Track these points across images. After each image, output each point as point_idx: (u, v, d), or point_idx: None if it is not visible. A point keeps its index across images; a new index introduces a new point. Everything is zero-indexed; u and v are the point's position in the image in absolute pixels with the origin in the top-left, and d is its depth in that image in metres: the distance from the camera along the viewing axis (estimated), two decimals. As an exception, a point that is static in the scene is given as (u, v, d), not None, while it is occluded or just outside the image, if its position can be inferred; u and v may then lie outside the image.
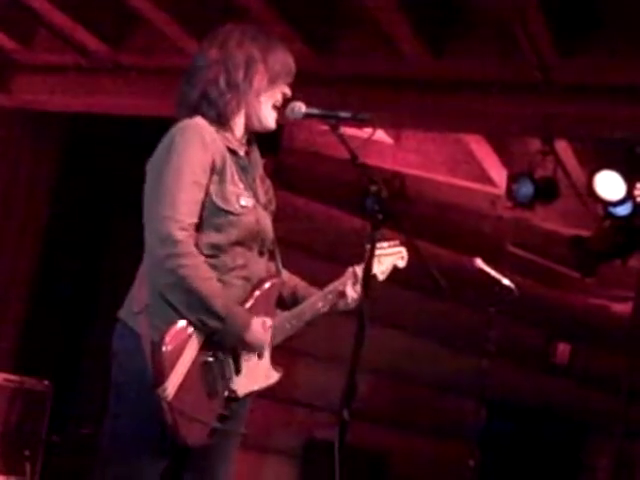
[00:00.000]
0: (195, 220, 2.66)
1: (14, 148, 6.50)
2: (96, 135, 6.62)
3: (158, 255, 2.60)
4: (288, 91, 2.88)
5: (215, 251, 2.69)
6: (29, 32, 5.73)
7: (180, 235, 2.60)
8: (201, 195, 2.67)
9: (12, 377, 5.58)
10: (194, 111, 2.77)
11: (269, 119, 2.86)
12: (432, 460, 7.27)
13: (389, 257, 3.04)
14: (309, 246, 6.62)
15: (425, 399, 7.37)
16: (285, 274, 3.00)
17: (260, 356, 2.77)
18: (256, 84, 2.80)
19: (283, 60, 2.86)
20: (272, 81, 2.83)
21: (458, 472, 5.02)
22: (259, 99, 2.82)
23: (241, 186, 2.77)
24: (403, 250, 3.07)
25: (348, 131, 2.80)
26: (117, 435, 2.72)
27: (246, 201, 2.76)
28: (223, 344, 2.67)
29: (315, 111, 2.81)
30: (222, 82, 2.78)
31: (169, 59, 5.32)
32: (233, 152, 2.79)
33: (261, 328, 2.71)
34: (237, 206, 2.72)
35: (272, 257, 2.94)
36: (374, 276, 2.90)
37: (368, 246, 2.60)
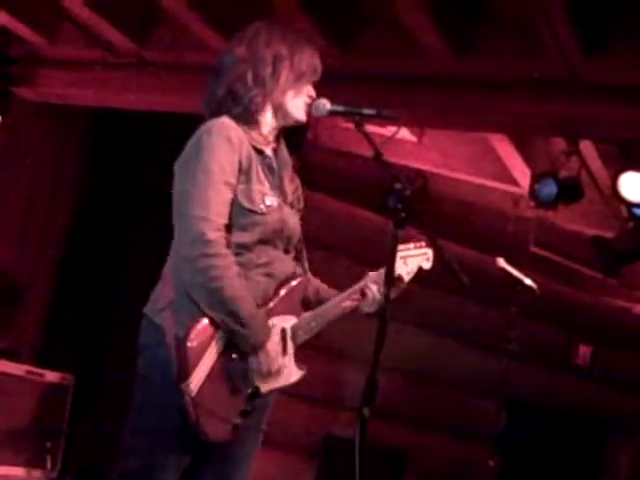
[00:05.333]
0: (226, 221, 2.67)
1: (39, 141, 6.53)
2: (121, 129, 6.66)
3: (189, 254, 2.61)
4: (313, 92, 2.88)
5: (241, 250, 2.70)
6: (53, 26, 5.74)
7: (213, 235, 2.61)
8: (231, 195, 2.69)
9: (34, 370, 5.61)
10: (220, 107, 2.77)
11: (299, 111, 2.86)
12: (452, 460, 7.25)
13: (415, 258, 3.02)
14: (330, 244, 6.61)
15: (446, 398, 7.35)
16: (308, 275, 3.00)
17: (284, 353, 2.77)
18: (282, 81, 2.81)
19: (309, 60, 2.86)
20: (297, 79, 2.84)
21: (478, 472, 5.01)
22: (285, 95, 2.82)
23: (267, 185, 2.78)
24: (429, 251, 3.05)
25: (370, 129, 2.80)
26: (140, 428, 2.73)
27: (271, 200, 2.77)
28: (240, 346, 2.67)
29: (340, 108, 2.82)
30: (249, 78, 2.78)
31: (194, 55, 5.33)
32: (259, 152, 2.79)
33: (275, 350, 2.71)
34: (262, 206, 2.73)
35: (299, 256, 2.95)
36: (400, 277, 2.89)
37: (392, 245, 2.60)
